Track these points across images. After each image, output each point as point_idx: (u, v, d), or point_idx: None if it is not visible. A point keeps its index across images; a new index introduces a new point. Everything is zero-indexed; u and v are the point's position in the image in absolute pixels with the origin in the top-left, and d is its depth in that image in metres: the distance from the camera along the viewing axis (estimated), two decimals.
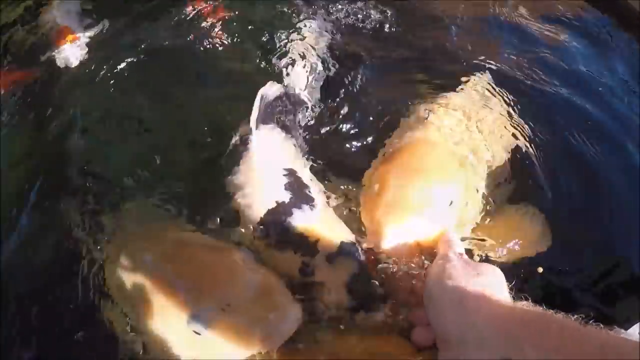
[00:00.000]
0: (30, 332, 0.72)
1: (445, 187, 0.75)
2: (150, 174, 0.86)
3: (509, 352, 0.47)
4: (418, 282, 0.67)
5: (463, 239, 0.74)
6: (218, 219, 0.76)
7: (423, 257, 0.70)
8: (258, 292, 0.63)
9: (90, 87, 1.02)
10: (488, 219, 0.78)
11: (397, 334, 0.64)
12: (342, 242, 0.71)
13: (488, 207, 0.79)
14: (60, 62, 1.05)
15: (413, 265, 0.69)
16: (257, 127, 0.79)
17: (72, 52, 1.06)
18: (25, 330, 0.71)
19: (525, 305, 0.52)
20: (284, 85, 0.93)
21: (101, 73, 1.03)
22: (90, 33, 1.11)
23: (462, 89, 0.96)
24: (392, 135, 0.88)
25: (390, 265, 0.70)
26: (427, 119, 0.87)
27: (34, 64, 1.06)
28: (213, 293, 0.63)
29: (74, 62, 1.05)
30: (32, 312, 0.73)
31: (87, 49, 1.07)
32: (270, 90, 0.83)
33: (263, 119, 0.81)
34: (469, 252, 0.72)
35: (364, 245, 0.73)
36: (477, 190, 0.80)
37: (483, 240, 0.76)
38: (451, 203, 0.74)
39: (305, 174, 0.80)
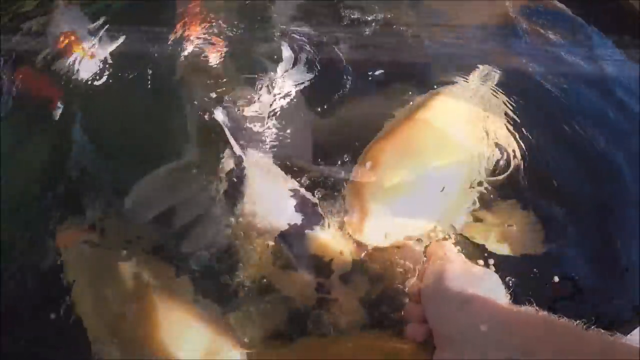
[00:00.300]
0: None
1: (441, 171, 0.75)
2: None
3: (514, 353, 0.49)
4: (410, 278, 0.68)
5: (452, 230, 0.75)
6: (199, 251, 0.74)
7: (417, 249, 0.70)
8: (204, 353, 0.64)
9: (93, 94, 0.97)
10: (480, 213, 0.78)
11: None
12: (354, 260, 0.72)
13: (482, 201, 0.79)
14: (65, 68, 0.99)
15: (402, 257, 0.70)
16: (244, 154, 0.79)
17: (80, 59, 1.01)
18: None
19: (530, 309, 0.53)
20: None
21: (103, 81, 0.98)
22: (96, 40, 1.04)
23: (468, 82, 0.95)
24: (395, 116, 0.87)
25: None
26: (432, 102, 0.86)
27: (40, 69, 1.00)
28: (158, 352, 0.63)
29: (82, 70, 1.00)
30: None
31: (95, 57, 1.02)
32: (226, 114, 0.83)
33: (245, 144, 0.81)
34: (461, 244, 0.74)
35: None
36: (474, 181, 0.80)
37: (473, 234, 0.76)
38: (443, 189, 0.74)
39: (307, 190, 0.80)
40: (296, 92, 0.93)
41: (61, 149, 0.89)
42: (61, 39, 1.02)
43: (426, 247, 0.72)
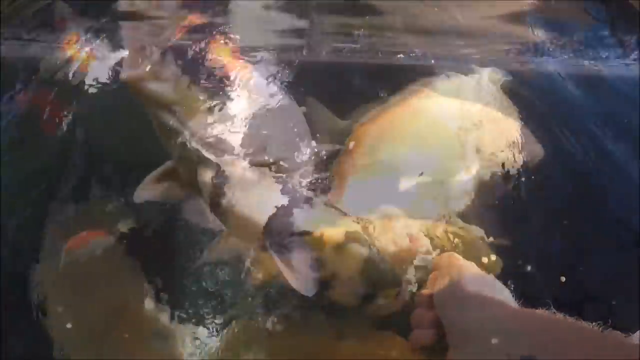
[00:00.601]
0: None
1: (421, 156, 0.76)
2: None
3: (532, 350, 0.50)
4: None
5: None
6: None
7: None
8: None
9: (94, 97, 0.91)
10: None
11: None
12: (347, 232, 0.70)
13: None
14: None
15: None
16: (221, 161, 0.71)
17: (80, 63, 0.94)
18: None
19: (547, 311, 0.54)
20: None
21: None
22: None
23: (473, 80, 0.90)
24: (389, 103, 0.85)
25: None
26: (424, 91, 0.84)
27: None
28: None
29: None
30: None
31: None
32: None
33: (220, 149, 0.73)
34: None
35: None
36: (457, 173, 0.79)
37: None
38: (421, 174, 0.75)
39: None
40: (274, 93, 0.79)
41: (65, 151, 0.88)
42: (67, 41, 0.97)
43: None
